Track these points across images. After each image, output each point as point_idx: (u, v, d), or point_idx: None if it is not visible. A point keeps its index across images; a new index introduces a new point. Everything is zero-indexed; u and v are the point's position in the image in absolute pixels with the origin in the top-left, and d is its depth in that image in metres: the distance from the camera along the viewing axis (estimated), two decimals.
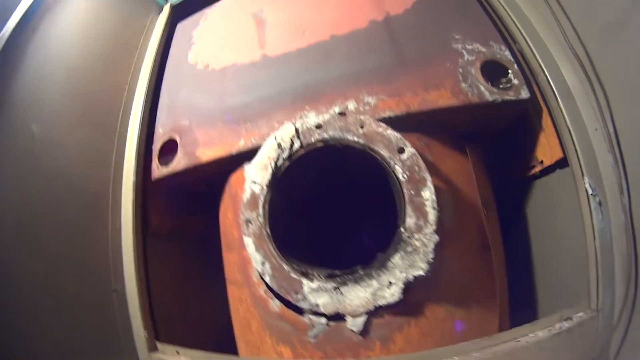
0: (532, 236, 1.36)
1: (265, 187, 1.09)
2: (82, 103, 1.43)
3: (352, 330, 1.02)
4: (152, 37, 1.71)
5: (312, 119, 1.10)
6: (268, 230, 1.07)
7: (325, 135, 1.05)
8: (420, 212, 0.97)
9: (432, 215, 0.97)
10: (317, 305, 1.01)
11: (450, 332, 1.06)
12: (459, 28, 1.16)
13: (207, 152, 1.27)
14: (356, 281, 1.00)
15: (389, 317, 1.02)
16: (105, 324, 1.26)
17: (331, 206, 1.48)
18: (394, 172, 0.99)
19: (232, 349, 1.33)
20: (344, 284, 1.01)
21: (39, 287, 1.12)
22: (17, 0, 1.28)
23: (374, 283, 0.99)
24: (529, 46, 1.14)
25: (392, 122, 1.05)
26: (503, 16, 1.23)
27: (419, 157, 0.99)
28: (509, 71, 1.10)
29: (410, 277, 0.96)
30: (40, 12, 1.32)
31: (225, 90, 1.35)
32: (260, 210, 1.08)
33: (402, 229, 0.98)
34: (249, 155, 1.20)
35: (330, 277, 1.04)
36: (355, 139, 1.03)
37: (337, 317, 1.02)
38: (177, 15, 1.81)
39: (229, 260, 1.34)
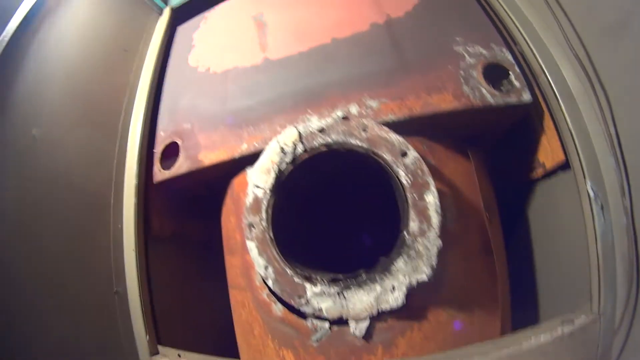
0: (534, 239, 1.36)
1: (268, 191, 1.09)
2: (83, 105, 1.43)
3: (355, 335, 1.02)
4: (152, 40, 1.71)
5: (314, 122, 1.10)
6: (271, 235, 1.07)
7: (329, 139, 1.05)
8: (424, 216, 0.97)
9: (435, 219, 0.97)
10: (320, 310, 1.01)
11: (452, 336, 1.06)
12: (460, 30, 1.16)
13: (210, 156, 1.27)
14: (359, 285, 1.00)
15: (392, 321, 1.02)
16: (106, 326, 1.26)
17: (333, 209, 1.48)
18: (397, 176, 0.99)
19: (234, 353, 1.33)
20: (347, 288, 1.01)
21: (39, 287, 1.12)
22: (17, 3, 1.27)
23: (377, 287, 0.99)
24: (530, 48, 1.14)
25: (395, 126, 1.05)
26: (504, 18, 1.23)
27: (422, 161, 0.99)
28: (511, 73, 1.10)
29: (414, 282, 0.96)
30: (41, 14, 1.32)
31: (227, 93, 1.35)
32: (263, 215, 1.08)
33: (405, 234, 0.98)
34: (251, 159, 1.20)
35: (333, 281, 1.04)
36: (359, 143, 1.03)
37: (340, 321, 1.02)
38: (177, 18, 1.81)
39: (231, 264, 1.34)
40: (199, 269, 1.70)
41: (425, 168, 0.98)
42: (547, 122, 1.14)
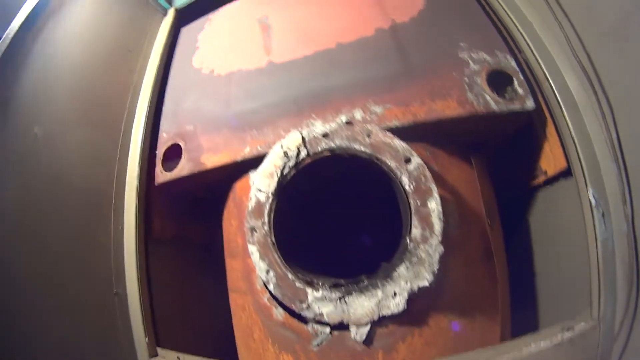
0: (535, 245, 1.37)
1: (270, 196, 1.09)
2: (86, 105, 1.42)
3: (355, 340, 1.02)
4: (156, 40, 1.71)
5: (318, 127, 1.10)
6: (273, 239, 1.07)
7: (332, 144, 1.05)
8: (426, 222, 0.97)
9: (437, 226, 0.97)
10: (321, 315, 1.01)
11: (453, 342, 1.06)
12: (464, 36, 1.16)
13: (212, 159, 1.27)
14: (361, 291, 1.00)
15: (393, 326, 1.03)
16: (106, 328, 1.26)
17: (335, 214, 1.48)
18: (400, 182, 1.00)
19: (233, 356, 1.33)
20: (349, 293, 1.01)
21: (39, 287, 1.12)
22: (21, 2, 1.27)
23: (379, 293, 0.99)
24: (534, 55, 1.15)
25: (399, 132, 1.05)
26: (508, 24, 1.23)
27: (426, 168, 0.99)
28: (514, 80, 1.10)
29: (415, 288, 0.97)
30: (45, 14, 1.31)
31: (230, 96, 1.35)
32: (266, 219, 1.08)
33: (407, 240, 0.98)
34: (254, 162, 1.20)
35: (334, 286, 1.04)
36: (362, 148, 1.03)
37: (341, 326, 1.03)
38: (182, 19, 1.81)
39: (232, 267, 1.34)
40: (200, 272, 1.70)
41: (428, 174, 0.98)
42: (550, 129, 1.14)
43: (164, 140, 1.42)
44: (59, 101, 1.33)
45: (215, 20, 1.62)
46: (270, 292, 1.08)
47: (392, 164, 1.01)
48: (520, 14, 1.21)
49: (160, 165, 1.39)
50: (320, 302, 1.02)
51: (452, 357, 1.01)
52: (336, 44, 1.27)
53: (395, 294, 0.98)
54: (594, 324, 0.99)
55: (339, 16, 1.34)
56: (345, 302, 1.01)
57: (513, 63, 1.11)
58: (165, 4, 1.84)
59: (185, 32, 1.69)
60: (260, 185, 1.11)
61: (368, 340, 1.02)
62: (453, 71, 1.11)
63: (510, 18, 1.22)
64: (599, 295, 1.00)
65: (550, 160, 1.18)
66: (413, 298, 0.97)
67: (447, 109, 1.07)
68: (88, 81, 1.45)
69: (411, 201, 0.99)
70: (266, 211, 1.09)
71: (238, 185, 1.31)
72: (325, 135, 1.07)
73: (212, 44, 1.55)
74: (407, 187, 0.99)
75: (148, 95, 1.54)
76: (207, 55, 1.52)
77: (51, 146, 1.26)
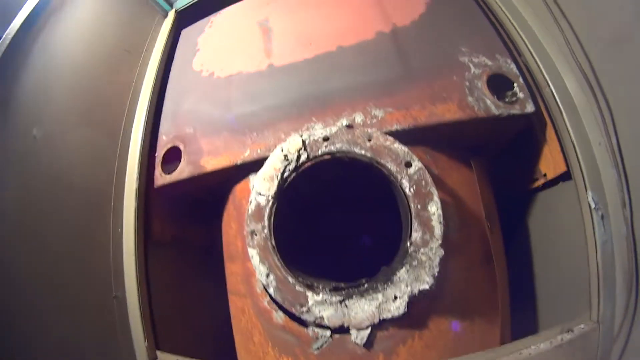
0: (534, 248, 1.37)
1: (271, 199, 1.09)
2: (86, 105, 1.42)
3: (356, 343, 1.02)
4: (156, 42, 1.70)
5: (319, 130, 1.10)
6: (273, 243, 1.07)
7: (333, 148, 1.05)
8: (427, 226, 0.98)
9: (438, 229, 0.97)
10: (322, 318, 1.01)
11: (453, 345, 1.06)
12: (465, 40, 1.17)
13: (212, 162, 1.27)
14: (361, 294, 1.00)
15: (393, 329, 1.03)
16: (106, 328, 1.26)
17: (335, 217, 1.48)
18: (400, 186, 1.00)
19: (233, 359, 1.32)
20: (349, 297, 1.01)
21: (39, 287, 1.12)
22: (21, 2, 1.26)
23: (380, 296, 0.99)
24: (534, 59, 1.15)
25: (399, 135, 1.05)
26: (509, 29, 1.23)
27: (426, 171, 0.99)
28: (515, 84, 1.10)
29: (416, 291, 0.97)
30: (45, 14, 1.31)
31: (230, 98, 1.34)
32: (266, 222, 1.08)
33: (408, 243, 0.99)
34: (254, 165, 1.20)
35: (335, 290, 1.04)
36: (363, 152, 1.03)
37: (341, 329, 1.03)
38: (182, 20, 1.81)
39: (232, 270, 1.34)
40: (199, 274, 1.70)
41: (429, 178, 0.99)
42: (550, 133, 1.15)
43: (164, 143, 1.42)
44: (59, 101, 1.33)
45: (216, 23, 1.62)
46: (270, 296, 1.08)
47: (392, 167, 1.01)
48: (520, 18, 1.21)
49: (160, 167, 1.38)
50: (321, 305, 1.02)
51: None
52: (337, 47, 1.27)
53: (395, 297, 0.98)
54: (593, 325, 1.00)
55: (339, 19, 1.34)
56: (346, 305, 1.01)
57: (513, 67, 1.11)
58: (166, 6, 1.84)
59: (186, 34, 1.69)
60: (261, 188, 1.11)
61: (368, 344, 1.02)
62: (454, 75, 1.11)
63: (511, 22, 1.23)
64: (599, 297, 1.01)
65: (549, 164, 1.19)
66: (413, 301, 0.98)
67: (448, 112, 1.07)
68: (88, 81, 1.45)
69: (411, 205, 0.99)
70: (266, 214, 1.09)
71: (238, 188, 1.30)
72: (325, 139, 1.07)
73: (213, 47, 1.55)
74: (407, 191, 0.99)
75: (148, 96, 1.54)
76: (207, 57, 1.52)
77: (51, 146, 1.26)
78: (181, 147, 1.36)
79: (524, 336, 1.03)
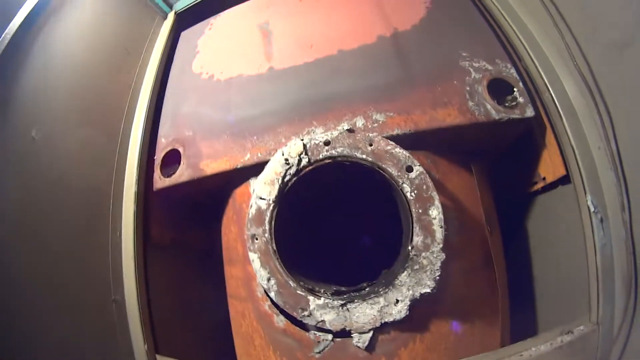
0: (534, 251, 1.38)
1: (271, 203, 1.09)
2: (85, 106, 1.41)
3: (357, 346, 1.03)
4: (156, 43, 1.70)
5: (319, 134, 1.10)
6: (274, 247, 1.07)
7: (334, 152, 1.05)
8: (428, 230, 0.98)
9: (439, 233, 0.98)
10: (323, 322, 1.01)
11: (454, 347, 1.07)
12: (465, 45, 1.17)
13: (212, 165, 1.26)
14: (363, 298, 1.01)
15: (395, 333, 1.03)
16: (106, 329, 1.25)
17: (335, 220, 1.48)
18: (401, 190, 1.00)
19: None
20: (351, 301, 1.01)
21: (39, 287, 1.11)
22: (21, 1, 1.25)
23: (381, 300, 0.99)
24: (534, 64, 1.16)
25: (400, 140, 1.05)
26: (509, 33, 1.24)
27: (427, 176, 0.99)
28: (515, 89, 1.11)
29: (417, 295, 0.97)
30: (45, 14, 1.30)
31: (230, 101, 1.34)
32: (267, 226, 1.08)
33: (409, 247, 0.99)
34: (254, 169, 1.20)
35: (336, 294, 1.05)
36: (364, 156, 1.03)
37: (343, 333, 1.03)
38: (182, 22, 1.80)
39: (232, 274, 1.33)
40: (198, 277, 1.69)
41: (430, 183, 0.99)
42: (549, 137, 1.15)
43: (163, 146, 1.41)
44: (59, 100, 1.32)
45: (216, 25, 1.61)
46: (271, 300, 1.08)
47: (393, 172, 1.01)
48: (520, 22, 1.22)
49: (159, 170, 1.38)
50: (322, 309, 1.02)
51: None
52: (338, 51, 1.27)
53: (397, 301, 0.98)
54: (593, 327, 1.01)
55: (340, 23, 1.34)
56: (348, 309, 1.01)
57: (513, 72, 1.12)
58: (166, 7, 1.83)
59: (185, 36, 1.68)
60: (261, 192, 1.11)
61: (370, 347, 1.03)
62: (454, 79, 1.12)
63: (511, 26, 1.23)
64: (598, 299, 1.02)
65: (549, 167, 1.19)
66: (415, 305, 0.98)
67: (449, 117, 1.07)
68: (88, 81, 1.44)
69: (413, 209, 0.99)
70: (267, 219, 1.09)
71: (238, 192, 1.30)
72: (327, 143, 1.07)
73: (212, 49, 1.54)
74: (408, 195, 1.00)
75: (147, 98, 1.53)
76: (207, 60, 1.51)
77: (51, 146, 1.25)
78: (180, 150, 1.35)
79: (524, 338, 1.04)
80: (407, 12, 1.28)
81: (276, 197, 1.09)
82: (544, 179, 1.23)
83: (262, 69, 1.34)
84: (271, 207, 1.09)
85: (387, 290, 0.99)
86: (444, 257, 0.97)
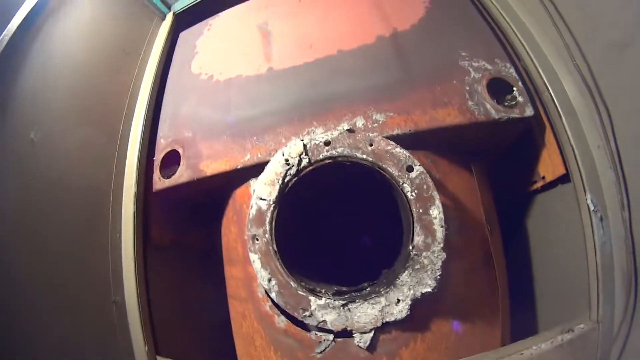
0: (534, 249, 1.39)
1: (272, 204, 1.09)
2: (84, 108, 1.41)
3: (359, 346, 1.03)
4: (154, 44, 1.69)
5: (320, 135, 1.10)
6: (275, 247, 1.07)
7: (334, 153, 1.05)
8: (429, 230, 0.98)
9: (439, 233, 0.98)
10: (325, 322, 1.01)
11: (455, 347, 1.07)
12: (465, 45, 1.17)
13: (212, 166, 1.26)
14: (364, 298, 1.01)
15: (396, 332, 1.03)
16: (106, 329, 1.25)
17: (335, 219, 1.48)
18: (402, 190, 1.00)
19: None
20: (352, 301, 1.01)
21: (39, 287, 1.11)
22: (20, 1, 1.25)
23: (382, 300, 0.99)
24: (534, 63, 1.16)
25: (400, 140, 1.05)
26: (508, 33, 1.24)
27: (428, 176, 1.00)
28: (514, 89, 1.11)
29: (418, 295, 0.97)
30: (44, 14, 1.29)
31: (230, 102, 1.34)
32: (267, 227, 1.08)
33: (410, 247, 0.99)
34: (254, 169, 1.20)
35: (337, 294, 1.05)
36: (365, 156, 1.03)
37: (344, 333, 1.03)
38: (180, 23, 1.79)
39: (232, 275, 1.33)
40: (198, 278, 1.69)
41: (430, 182, 0.99)
42: (549, 136, 1.16)
43: (162, 147, 1.41)
44: (58, 100, 1.32)
45: (215, 26, 1.61)
46: (272, 300, 1.08)
47: (394, 172, 1.01)
48: (519, 22, 1.22)
49: (158, 171, 1.37)
50: (324, 309, 1.02)
51: None
52: (337, 51, 1.27)
53: (398, 301, 0.98)
54: (593, 325, 1.02)
55: (339, 23, 1.34)
56: (349, 309, 1.01)
57: (513, 71, 1.12)
58: (164, 8, 1.82)
59: (184, 36, 1.68)
60: (262, 193, 1.11)
61: (371, 347, 1.03)
62: (454, 79, 1.12)
63: (510, 26, 1.24)
64: (598, 297, 1.03)
65: (548, 167, 1.20)
66: (416, 304, 0.98)
67: (448, 117, 1.07)
68: (87, 81, 1.44)
69: (413, 209, 0.99)
70: (267, 219, 1.09)
71: (238, 193, 1.30)
72: (327, 143, 1.07)
73: (211, 50, 1.54)
74: (409, 195, 1.00)
75: (146, 99, 1.53)
76: (206, 60, 1.51)
77: (50, 146, 1.24)
78: (180, 151, 1.35)
79: (524, 337, 1.04)
80: (406, 12, 1.28)
81: (277, 197, 1.09)
82: (544, 178, 1.23)
83: (261, 69, 1.34)
84: (272, 208, 1.09)
85: (388, 290, 0.99)
86: (445, 256, 0.97)
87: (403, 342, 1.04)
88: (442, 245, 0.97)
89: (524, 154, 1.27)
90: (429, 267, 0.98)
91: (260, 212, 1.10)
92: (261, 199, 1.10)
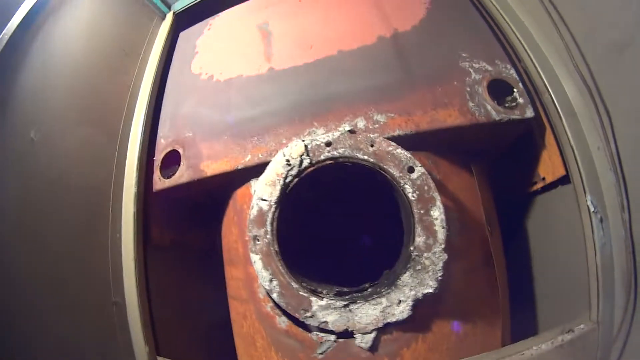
0: (534, 250, 1.39)
1: (273, 204, 1.09)
2: (84, 106, 1.40)
3: (360, 347, 1.03)
4: (154, 44, 1.69)
5: (321, 135, 1.10)
6: (277, 248, 1.06)
7: (335, 153, 1.05)
8: (430, 231, 0.98)
9: (441, 234, 0.98)
10: (326, 323, 1.02)
11: (456, 347, 1.07)
12: (465, 46, 1.18)
13: (212, 166, 1.26)
14: (365, 299, 1.01)
15: (397, 333, 1.04)
16: (106, 329, 1.24)
17: (335, 219, 1.48)
18: (403, 191, 1.00)
19: None
20: (354, 301, 1.01)
21: (40, 287, 1.11)
22: (19, 1, 1.24)
23: (384, 301, 1.00)
24: (534, 65, 1.17)
25: (401, 141, 1.06)
26: (508, 34, 1.25)
27: (429, 177, 1.00)
28: (514, 90, 1.12)
29: (420, 295, 0.98)
30: (44, 13, 1.29)
31: (230, 102, 1.34)
32: (268, 227, 1.08)
33: (411, 248, 0.99)
34: (255, 170, 1.19)
35: (339, 294, 1.05)
36: (366, 157, 1.03)
37: (346, 334, 1.03)
38: (180, 23, 1.79)
39: (232, 275, 1.33)
40: (198, 278, 1.69)
41: (431, 183, 0.99)
42: (549, 138, 1.16)
43: (162, 147, 1.40)
44: (58, 99, 1.31)
45: (215, 25, 1.60)
46: (273, 301, 1.08)
47: (395, 173, 1.01)
48: (519, 23, 1.22)
49: (159, 172, 1.37)
50: (325, 310, 1.02)
51: None
52: (338, 51, 1.27)
53: (400, 302, 0.99)
54: (593, 325, 1.02)
55: (340, 23, 1.34)
56: (350, 310, 1.01)
57: (513, 72, 1.13)
58: (164, 8, 1.82)
59: (184, 36, 1.67)
60: (263, 193, 1.10)
61: (373, 348, 1.03)
62: (454, 80, 1.12)
63: (510, 27, 1.24)
64: (598, 297, 1.03)
65: (548, 168, 1.20)
66: (417, 305, 0.98)
67: (449, 118, 1.08)
68: (87, 80, 1.43)
69: (414, 210, 1.00)
70: (269, 220, 1.09)
71: (239, 193, 1.30)
72: (328, 144, 1.07)
73: (212, 49, 1.53)
74: (410, 196, 1.00)
75: (146, 99, 1.52)
76: (206, 60, 1.51)
77: (50, 146, 1.24)
78: (180, 151, 1.35)
79: (524, 338, 1.05)
80: (406, 13, 1.28)
81: (278, 198, 1.09)
82: (544, 179, 1.23)
83: (262, 69, 1.34)
84: (273, 208, 1.09)
85: (389, 290, 1.00)
86: (446, 257, 0.98)
87: (404, 343, 1.04)
88: (443, 246, 0.98)
89: (524, 154, 1.27)
90: (430, 268, 0.98)
91: (261, 213, 1.10)
92: (262, 199, 1.10)
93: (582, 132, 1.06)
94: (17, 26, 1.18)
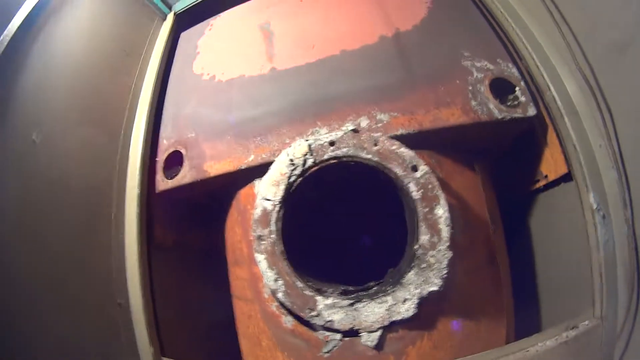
0: (537, 248, 1.40)
1: (277, 204, 1.09)
2: (85, 107, 1.40)
3: (366, 345, 1.03)
4: (155, 44, 1.68)
5: (324, 135, 1.10)
6: (281, 248, 1.07)
7: (339, 153, 1.06)
8: (434, 229, 0.99)
9: (445, 232, 0.98)
10: (332, 322, 1.02)
11: (461, 345, 1.08)
12: (467, 45, 1.18)
13: (215, 166, 1.26)
14: (371, 297, 1.01)
15: (403, 331, 1.04)
16: (107, 332, 1.24)
17: (338, 218, 1.49)
18: (407, 190, 1.01)
19: None
20: (359, 300, 1.02)
21: (40, 287, 1.10)
22: (20, 1, 1.24)
23: (389, 299, 1.00)
24: (536, 63, 1.17)
25: (405, 140, 1.06)
26: (510, 33, 1.25)
27: (432, 175, 1.00)
28: (516, 88, 1.12)
29: (425, 293, 0.98)
30: (45, 14, 1.28)
31: (232, 102, 1.34)
32: (273, 227, 1.08)
33: (416, 246, 1.00)
34: (258, 170, 1.19)
35: (344, 293, 1.05)
36: (370, 156, 1.03)
37: (351, 332, 1.03)
38: (181, 23, 1.79)
39: (237, 275, 1.33)
40: (200, 278, 1.68)
41: (435, 182, 1.00)
42: (551, 136, 1.17)
43: (165, 147, 1.40)
44: (59, 100, 1.30)
45: (216, 26, 1.60)
46: (278, 300, 1.08)
47: (399, 171, 1.01)
48: (521, 22, 1.23)
49: (161, 172, 1.37)
50: (331, 309, 1.02)
51: None
52: (340, 51, 1.27)
53: (405, 300, 0.99)
54: (597, 322, 1.03)
55: (342, 23, 1.34)
56: (356, 308, 1.01)
57: (515, 71, 1.13)
58: (165, 8, 1.82)
59: (185, 36, 1.67)
60: (267, 193, 1.11)
61: (379, 346, 1.03)
62: (457, 79, 1.13)
63: (512, 26, 1.24)
64: (602, 294, 1.04)
65: (551, 166, 1.21)
66: (422, 303, 0.99)
67: (452, 117, 1.08)
68: (88, 80, 1.42)
69: (419, 208, 1.00)
70: (273, 220, 1.09)
71: (242, 193, 1.30)
72: (331, 143, 1.07)
73: (213, 50, 1.53)
74: (414, 195, 1.00)
75: (148, 99, 1.52)
76: (207, 60, 1.51)
77: (51, 146, 1.23)
78: (183, 151, 1.35)
79: (528, 335, 1.05)
80: (408, 12, 1.29)
81: (282, 197, 1.09)
82: (546, 177, 1.24)
83: (264, 69, 1.34)
84: (277, 208, 1.09)
85: (394, 289, 1.00)
86: (451, 255, 0.98)
87: (410, 341, 1.05)
88: (448, 244, 0.98)
89: (527, 153, 1.28)
90: (435, 266, 0.99)
91: (265, 213, 1.10)
92: (266, 199, 1.10)
93: (584, 130, 1.07)
94: (18, 27, 1.18)
